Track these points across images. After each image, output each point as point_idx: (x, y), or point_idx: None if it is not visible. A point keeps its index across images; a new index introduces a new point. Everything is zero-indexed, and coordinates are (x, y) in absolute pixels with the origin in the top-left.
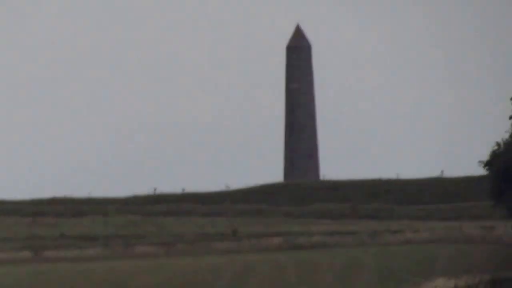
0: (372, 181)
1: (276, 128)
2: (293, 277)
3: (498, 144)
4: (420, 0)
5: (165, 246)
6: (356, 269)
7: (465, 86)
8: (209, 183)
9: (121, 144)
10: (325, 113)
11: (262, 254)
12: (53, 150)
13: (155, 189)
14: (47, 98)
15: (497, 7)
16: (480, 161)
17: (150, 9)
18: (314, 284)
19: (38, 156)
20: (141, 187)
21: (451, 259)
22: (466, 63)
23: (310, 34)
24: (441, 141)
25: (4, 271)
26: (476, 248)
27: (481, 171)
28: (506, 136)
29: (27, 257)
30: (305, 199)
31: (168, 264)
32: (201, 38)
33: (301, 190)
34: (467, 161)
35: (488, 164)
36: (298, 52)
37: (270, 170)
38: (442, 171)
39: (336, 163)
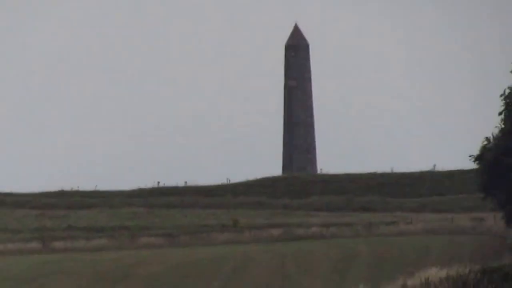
0: (367, 174)
1: (275, 124)
2: (292, 267)
3: (487, 139)
4: (413, 1)
5: (169, 237)
6: (351, 259)
7: (457, 84)
8: (210, 177)
9: (126, 139)
10: (322, 109)
11: (262, 245)
12: (61, 146)
13: (158, 183)
14: (57, 95)
15: (489, 8)
16: (470, 156)
17: (151, 10)
18: (312, 273)
19: (47, 151)
20: (146, 181)
21: (443, 250)
22: (458, 61)
23: (308, 33)
24: (433, 136)
25: (15, 261)
26: (467, 239)
27: (472, 165)
28: (496, 131)
29: (36, 248)
30: (303, 192)
31: (172, 254)
32: (202, 38)
33: (299, 183)
34: (458, 155)
35: (478, 158)
36: (296, 50)
37: (270, 164)
38: (434, 165)
39: (333, 157)
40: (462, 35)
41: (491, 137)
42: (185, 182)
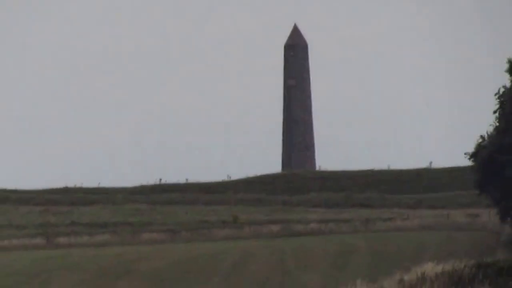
0: (365, 171)
1: (274, 122)
2: (291, 262)
3: (482, 137)
4: (408, 1)
5: (170, 232)
6: (349, 254)
7: (453, 84)
8: (211, 174)
9: (129, 138)
10: (321, 108)
11: (262, 240)
12: (65, 144)
13: (160, 180)
14: (62, 95)
15: (485, 8)
16: (466, 153)
17: (153, 10)
18: (310, 269)
19: (51, 149)
20: (148, 178)
21: (439, 245)
22: (454, 62)
23: (306, 33)
24: (429, 135)
25: (19, 256)
26: (463, 235)
27: (467, 162)
28: (491, 129)
29: (40, 243)
30: (302, 188)
31: (173, 250)
32: (203, 38)
33: (298, 180)
34: (454, 153)
35: (473, 155)
36: (295, 50)
37: (269, 161)
38: (430, 163)
39: (331, 154)
40: (459, 36)
41: (486, 135)
42: (186, 179)
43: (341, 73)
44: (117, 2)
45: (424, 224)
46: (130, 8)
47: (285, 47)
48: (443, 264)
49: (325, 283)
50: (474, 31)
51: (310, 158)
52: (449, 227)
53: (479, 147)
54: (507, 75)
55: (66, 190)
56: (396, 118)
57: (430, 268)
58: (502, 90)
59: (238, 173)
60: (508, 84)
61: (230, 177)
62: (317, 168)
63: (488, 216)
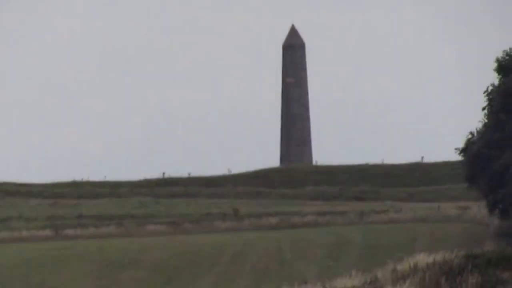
0: (360, 166)
1: (273, 118)
2: (288, 253)
3: (472, 133)
4: (402, 2)
5: (173, 225)
6: (344, 245)
7: (443, 82)
8: (212, 168)
9: (133, 133)
10: (317, 104)
11: (261, 232)
12: (73, 139)
13: (164, 174)
14: (67, 92)
15: (471, 5)
16: (456, 148)
17: (155, 12)
18: (307, 259)
19: (59, 144)
20: (151, 172)
21: (430, 236)
22: (445, 61)
23: (304, 33)
24: (421, 131)
25: (29, 248)
26: (453, 227)
27: (457, 157)
28: (479, 126)
29: (49, 235)
30: (299, 182)
31: (176, 241)
32: (205, 39)
33: (296, 174)
34: (445, 148)
35: (463, 151)
36: (293, 50)
37: (268, 156)
38: (422, 157)
39: (327, 149)
40: (451, 35)
41: (475, 131)
42: (189, 173)
43: (337, 71)
44: (119, 5)
45: (416, 216)
46: (132, 7)
47: (283, 46)
48: (434, 254)
49: (321, 273)
50: (467, 33)
51: (307, 153)
52: (440, 219)
53: (469, 143)
54: (495, 74)
55: (73, 184)
56: (390, 115)
57: (422, 258)
58: (490, 88)
59: (238, 167)
60: (496, 82)
61: (230, 171)
62: (314, 163)
63: (478, 208)
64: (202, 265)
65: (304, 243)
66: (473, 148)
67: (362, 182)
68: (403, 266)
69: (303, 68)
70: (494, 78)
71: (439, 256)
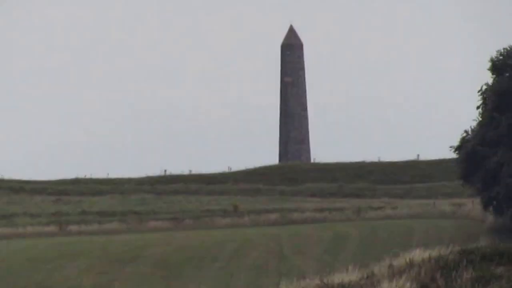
0: (357, 163)
1: (272, 117)
2: (287, 248)
3: (466, 131)
4: (398, 2)
5: (175, 221)
6: (342, 241)
7: (439, 80)
8: (213, 165)
9: (136, 132)
10: (315, 103)
11: (260, 228)
12: (76, 138)
13: (165, 171)
14: (71, 92)
15: (465, 7)
16: (451, 146)
17: (156, 13)
18: (306, 254)
19: (63, 143)
20: (153, 169)
21: (426, 232)
22: (440, 61)
23: (302, 33)
24: (417, 129)
25: (34, 243)
26: (448, 223)
27: (452, 155)
28: (474, 124)
29: (53, 231)
30: (297, 179)
31: (177, 237)
32: (207, 38)
33: (294, 172)
34: (440, 146)
35: (458, 149)
36: (292, 49)
37: (267, 153)
38: (418, 155)
39: (325, 147)
40: (446, 35)
41: (470, 130)
42: (190, 171)
43: (334, 70)
44: (120, 5)
45: (412, 212)
46: (133, 8)
47: (281, 46)
48: (430, 250)
49: (319, 268)
50: (461, 34)
51: (306, 150)
52: (435, 215)
53: (463, 141)
54: (489, 73)
55: (77, 181)
56: (386, 114)
57: (418, 254)
58: (484, 87)
59: (238, 165)
60: (490, 82)
61: (230, 169)
62: (312, 160)
63: (472, 205)
64: (203, 260)
65: (303, 239)
66: (467, 146)
67: (359, 180)
68: (399, 261)
69: (301, 68)
70: (488, 78)
71: (434, 252)
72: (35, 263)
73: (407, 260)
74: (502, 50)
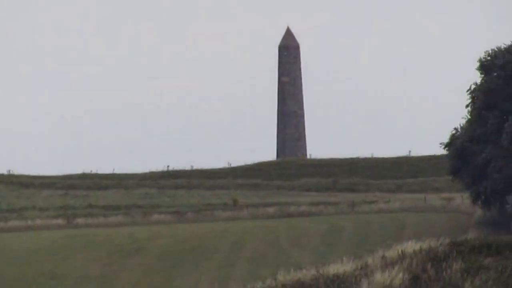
0: (351, 159)
1: (270, 115)
2: (284, 240)
3: (456, 129)
4: (389, 5)
5: (177, 214)
6: (337, 233)
7: (430, 81)
8: (214, 161)
9: (139, 129)
10: (311, 102)
11: (259, 221)
12: (83, 134)
13: (168, 166)
14: (74, 92)
15: (453, 6)
16: (441, 143)
17: (156, 14)
18: (302, 246)
19: (70, 139)
20: (157, 165)
21: (417, 225)
22: (432, 61)
23: (298, 35)
24: (409, 126)
25: (42, 235)
26: (438, 216)
27: (442, 151)
28: (463, 122)
29: (61, 224)
30: (294, 174)
31: (180, 229)
32: (207, 40)
33: (291, 167)
34: (431, 143)
35: (448, 145)
36: (288, 50)
37: (265, 150)
38: (409, 151)
39: (321, 144)
40: (437, 37)
41: (459, 127)
42: (192, 166)
43: (330, 70)
44: (119, 3)
45: (403, 206)
46: (134, 9)
47: (279, 47)
48: (421, 242)
49: (315, 259)
50: (452, 34)
51: (302, 147)
52: (426, 209)
53: (453, 138)
54: (478, 73)
55: (83, 176)
56: (379, 111)
57: (409, 246)
58: (473, 86)
59: (237, 161)
60: (478, 81)
61: (230, 165)
62: (308, 156)
63: (461, 199)
64: (204, 252)
65: (299, 232)
66: (457, 143)
67: (353, 175)
68: (392, 253)
69: (298, 68)
70: (476, 77)
71: (425, 244)
72: (44, 254)
73: (399, 251)
74: (490, 51)
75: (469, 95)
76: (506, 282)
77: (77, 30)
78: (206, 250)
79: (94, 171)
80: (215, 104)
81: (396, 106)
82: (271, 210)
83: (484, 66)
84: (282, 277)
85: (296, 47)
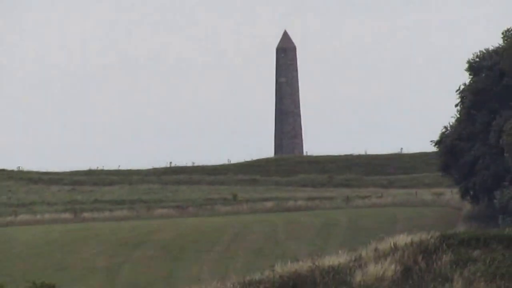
0: (345, 156)
1: (268, 114)
2: (282, 233)
3: (445, 127)
4: (382, 9)
5: (179, 209)
6: (332, 227)
7: (421, 81)
8: (214, 158)
9: (144, 127)
10: (307, 101)
11: (257, 215)
12: (89, 132)
13: (170, 163)
14: (78, 91)
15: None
16: (431, 141)
17: (158, 14)
18: (299, 239)
19: (77, 136)
20: (160, 161)
21: (408, 219)
22: (420, 62)
23: (295, 38)
24: (401, 125)
25: (51, 229)
26: (429, 210)
27: (433, 148)
28: (452, 120)
29: (68, 218)
30: (291, 171)
31: (182, 223)
32: (207, 41)
33: (288, 164)
34: (422, 140)
35: (438, 143)
36: (286, 52)
37: (263, 147)
38: (401, 148)
39: (317, 142)
40: (427, 39)
41: (449, 126)
42: (193, 163)
43: (325, 71)
44: (119, 5)
45: (395, 201)
46: (135, 11)
47: (277, 50)
48: (412, 235)
49: (311, 251)
50: (441, 35)
51: (299, 144)
52: (417, 204)
53: (443, 136)
54: (466, 74)
55: (90, 172)
56: (372, 111)
57: (401, 239)
58: (462, 87)
59: (237, 157)
60: (467, 82)
61: (230, 161)
62: (304, 153)
63: (451, 194)
64: (205, 245)
65: (296, 225)
66: (447, 141)
67: (347, 171)
68: (384, 245)
69: (295, 69)
70: (465, 78)
71: (416, 237)
72: (53, 247)
73: (392, 244)
74: (479, 53)
75: (459, 95)
76: (494, 273)
77: (81, 25)
78: (207, 243)
79: (100, 168)
80: (216, 103)
81: (389, 106)
82: (269, 204)
83: (473, 67)
84: (279, 268)
85: (293, 49)
